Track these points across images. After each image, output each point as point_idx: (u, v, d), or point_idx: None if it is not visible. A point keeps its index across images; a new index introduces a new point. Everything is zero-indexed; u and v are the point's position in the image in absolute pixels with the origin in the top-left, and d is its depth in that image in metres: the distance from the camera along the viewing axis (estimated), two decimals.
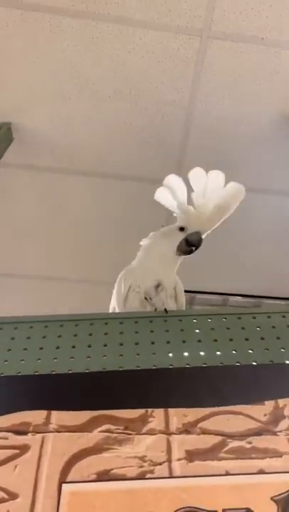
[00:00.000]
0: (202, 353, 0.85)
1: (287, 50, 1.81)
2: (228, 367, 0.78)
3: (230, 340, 0.88)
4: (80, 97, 1.84)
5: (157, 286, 1.15)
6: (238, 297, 2.57)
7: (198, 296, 2.61)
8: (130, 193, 2.13)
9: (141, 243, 1.27)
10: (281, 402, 0.75)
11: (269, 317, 0.95)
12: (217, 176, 1.18)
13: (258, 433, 0.74)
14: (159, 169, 2.12)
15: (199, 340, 0.89)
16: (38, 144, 1.92)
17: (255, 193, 2.19)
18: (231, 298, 2.56)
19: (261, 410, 0.76)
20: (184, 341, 0.89)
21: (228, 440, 0.73)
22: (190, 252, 1.18)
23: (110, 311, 1.22)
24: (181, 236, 1.18)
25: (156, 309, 1.10)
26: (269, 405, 0.76)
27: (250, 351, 0.85)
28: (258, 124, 1.98)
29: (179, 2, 1.65)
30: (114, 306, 1.21)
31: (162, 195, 1.23)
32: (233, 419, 0.76)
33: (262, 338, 0.88)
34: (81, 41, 1.71)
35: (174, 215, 1.25)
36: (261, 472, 0.69)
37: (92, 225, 2.23)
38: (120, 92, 1.87)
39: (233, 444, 0.73)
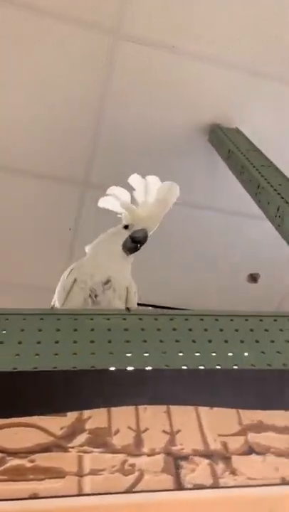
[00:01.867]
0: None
1: (195, 61, 1.79)
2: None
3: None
4: None
5: (106, 282, 1.11)
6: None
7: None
8: (36, 190, 2.02)
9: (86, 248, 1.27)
10: (86, 413, 0.66)
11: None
12: (153, 178, 1.24)
13: (46, 449, 0.65)
14: (66, 168, 2.03)
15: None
16: None
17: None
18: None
19: (59, 423, 0.67)
20: None
21: (8, 458, 0.64)
22: (135, 249, 1.17)
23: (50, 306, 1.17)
24: (126, 234, 1.19)
25: None
26: (71, 417, 0.67)
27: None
28: (167, 131, 1.95)
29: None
30: (54, 301, 1.17)
31: (105, 201, 1.26)
32: (22, 432, 0.66)
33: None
34: None
35: (118, 215, 1.26)
36: (34, 497, 0.60)
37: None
38: (27, 82, 1.77)
39: (12, 462, 0.64)
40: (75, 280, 1.13)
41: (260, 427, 0.61)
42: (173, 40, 1.75)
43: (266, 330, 0.86)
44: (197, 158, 2.00)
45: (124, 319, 0.86)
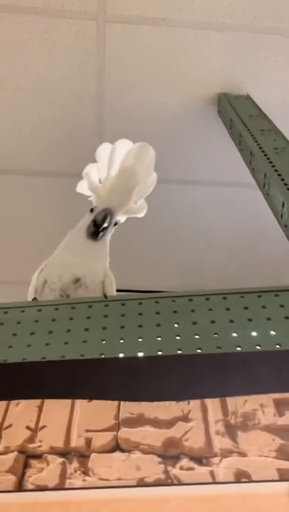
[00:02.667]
0: None
1: (191, 29, 1.67)
2: None
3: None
4: None
5: (75, 281, 1.02)
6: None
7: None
8: (46, 189, 2.05)
9: None
10: None
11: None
12: (122, 144, 1.08)
13: None
14: (76, 163, 2.03)
15: None
16: None
17: (180, 184, 2.05)
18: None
19: None
20: None
21: None
22: (97, 233, 1.04)
23: None
24: (91, 218, 1.06)
25: None
26: None
27: None
28: (174, 111, 1.85)
29: None
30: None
31: (81, 185, 1.16)
32: None
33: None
34: None
35: (89, 199, 1.15)
36: None
37: (8, 223, 2.17)
38: (23, 84, 1.80)
39: None
40: (45, 281, 1.04)
41: (138, 422, 0.53)
42: (161, 12, 1.66)
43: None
44: (208, 133, 1.88)
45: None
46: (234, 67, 1.77)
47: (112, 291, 1.06)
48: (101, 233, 1.04)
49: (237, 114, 1.52)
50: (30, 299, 1.07)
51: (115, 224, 1.09)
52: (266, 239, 2.17)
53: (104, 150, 1.10)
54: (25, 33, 1.71)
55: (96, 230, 1.03)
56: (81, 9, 1.64)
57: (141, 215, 1.14)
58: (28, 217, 2.19)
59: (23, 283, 2.21)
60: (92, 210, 1.07)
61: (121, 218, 1.11)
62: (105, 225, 1.03)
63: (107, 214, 1.02)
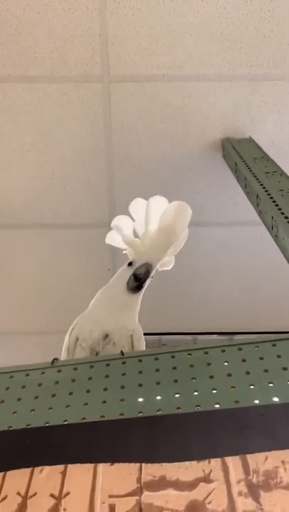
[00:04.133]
0: None
1: (190, 83, 1.77)
2: None
3: None
4: None
5: (105, 337, 1.04)
6: (207, 335, 2.43)
7: (166, 337, 2.50)
8: (68, 240, 2.12)
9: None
10: None
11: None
12: (157, 201, 1.10)
13: None
14: (91, 213, 2.10)
15: None
16: None
17: (199, 226, 2.10)
18: (200, 337, 2.42)
19: None
20: None
21: None
22: (139, 287, 1.07)
23: None
24: (130, 272, 1.09)
25: None
26: None
27: None
28: (180, 159, 1.93)
29: (72, 53, 1.69)
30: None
31: (111, 237, 1.18)
32: None
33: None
34: None
35: (124, 252, 1.18)
36: None
37: (38, 276, 2.24)
38: (37, 144, 1.90)
39: None
40: (77, 339, 1.06)
41: (159, 484, 0.53)
42: (161, 69, 1.76)
43: None
44: (213, 177, 1.94)
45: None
46: (235, 113, 1.84)
47: (139, 346, 1.07)
48: (143, 286, 1.07)
49: (241, 157, 1.56)
50: (63, 358, 1.08)
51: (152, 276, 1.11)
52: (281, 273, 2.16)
53: (138, 205, 1.12)
54: (36, 98, 1.82)
55: (138, 284, 1.06)
56: (86, 73, 1.75)
57: (170, 267, 1.17)
58: (45, 267, 2.25)
59: (49, 333, 2.25)
60: (130, 264, 1.10)
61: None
62: (146, 277, 1.06)
63: (148, 269, 1.05)
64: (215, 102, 1.81)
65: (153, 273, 1.09)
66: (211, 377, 0.66)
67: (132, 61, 1.73)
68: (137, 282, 1.07)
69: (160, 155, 1.91)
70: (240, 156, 1.55)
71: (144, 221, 1.09)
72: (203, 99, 1.82)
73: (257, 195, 1.30)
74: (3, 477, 0.56)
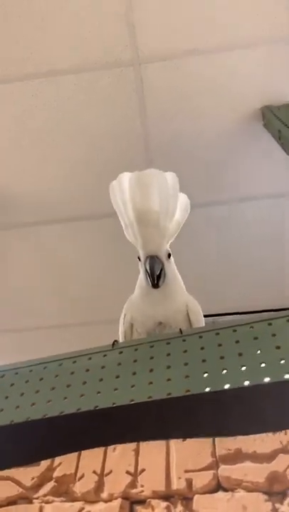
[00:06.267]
0: None
1: (223, 53, 1.71)
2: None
3: None
4: (34, 150, 1.93)
5: (160, 323, 1.01)
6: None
7: (221, 319, 2.46)
8: (109, 229, 2.13)
9: None
10: (57, 460, 0.63)
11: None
12: (122, 180, 1.09)
13: (12, 502, 0.63)
14: None
15: None
16: (9, 202, 2.04)
17: (240, 202, 2.04)
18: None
19: (31, 473, 0.65)
20: None
21: None
22: (156, 283, 0.97)
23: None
24: (142, 267, 1.00)
25: None
26: (43, 465, 0.65)
27: None
28: (219, 133, 1.87)
29: (100, 41, 1.67)
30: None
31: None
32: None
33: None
34: (23, 102, 1.81)
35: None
36: None
37: (82, 267, 2.26)
38: (74, 136, 1.91)
39: None
40: (132, 325, 1.05)
41: (236, 457, 0.52)
42: (191, 43, 1.71)
43: None
44: (255, 149, 1.87)
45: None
46: (272, 79, 1.76)
47: (198, 322, 1.03)
48: (159, 280, 0.97)
49: (284, 123, 1.49)
50: (121, 340, 1.08)
51: (169, 255, 1.03)
52: None
53: (112, 193, 1.05)
54: (67, 91, 1.82)
55: (152, 281, 0.97)
56: (116, 59, 1.73)
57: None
58: (82, 259, 2.27)
59: (85, 324, 2.28)
60: (139, 259, 1.02)
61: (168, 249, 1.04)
62: (157, 272, 0.96)
63: (153, 262, 0.96)
64: (250, 69, 1.73)
65: (163, 259, 0.99)
66: (278, 347, 0.63)
67: (160, 39, 1.69)
68: (151, 278, 0.97)
69: (198, 132, 1.86)
70: (283, 122, 1.48)
71: (123, 209, 1.01)
72: (237, 68, 1.75)
73: None
74: (78, 457, 0.57)
